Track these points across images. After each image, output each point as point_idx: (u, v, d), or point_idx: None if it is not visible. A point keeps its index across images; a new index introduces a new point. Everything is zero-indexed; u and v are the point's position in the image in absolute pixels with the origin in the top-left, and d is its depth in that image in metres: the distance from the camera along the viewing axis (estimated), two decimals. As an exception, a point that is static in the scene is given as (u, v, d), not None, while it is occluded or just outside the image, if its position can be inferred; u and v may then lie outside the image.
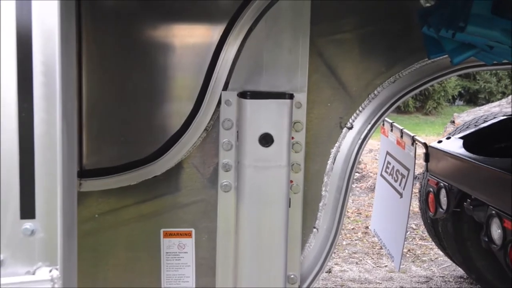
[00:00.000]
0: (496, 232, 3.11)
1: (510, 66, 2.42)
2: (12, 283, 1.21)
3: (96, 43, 2.11)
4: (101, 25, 2.10)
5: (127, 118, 2.20)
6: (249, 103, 2.10)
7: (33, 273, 1.24)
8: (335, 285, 5.10)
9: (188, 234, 2.32)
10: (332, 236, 2.39)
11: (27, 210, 1.22)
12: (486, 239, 3.18)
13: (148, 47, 2.16)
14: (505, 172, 3.02)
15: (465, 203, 3.62)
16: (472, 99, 22.52)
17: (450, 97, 21.83)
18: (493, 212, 3.10)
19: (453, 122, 11.31)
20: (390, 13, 2.27)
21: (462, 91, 22.68)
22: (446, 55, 2.10)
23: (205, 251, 2.31)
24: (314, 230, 2.39)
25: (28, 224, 1.23)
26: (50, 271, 1.24)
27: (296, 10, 2.11)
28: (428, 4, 2.11)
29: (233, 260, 2.26)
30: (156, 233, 2.30)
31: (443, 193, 3.93)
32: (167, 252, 2.32)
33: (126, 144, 2.20)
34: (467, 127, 4.55)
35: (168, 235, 2.32)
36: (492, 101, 15.33)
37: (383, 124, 4.51)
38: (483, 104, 15.54)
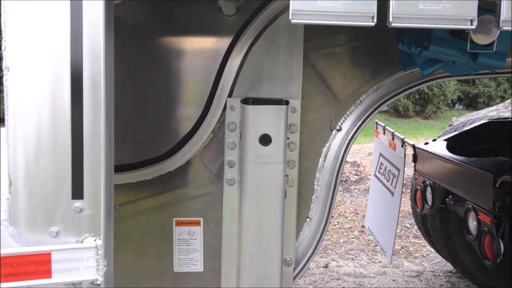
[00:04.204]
0: (472, 224, 3.42)
1: (509, 74, 2.73)
2: (65, 249, 1.55)
3: (118, 55, 2.41)
4: (122, 39, 2.37)
5: (145, 121, 2.50)
6: (250, 108, 2.39)
7: (81, 242, 1.57)
8: (331, 279, 5.38)
9: (197, 223, 2.60)
10: (323, 224, 2.70)
11: (77, 192, 1.56)
12: (465, 231, 3.50)
13: (163, 60, 2.46)
14: (480, 170, 3.34)
15: (447, 199, 3.94)
16: (471, 103, 22.55)
17: (450, 102, 21.95)
18: (470, 206, 3.41)
19: (451, 126, 11.46)
20: (374, 30, 2.58)
21: (462, 96, 22.76)
22: (418, 68, 2.44)
23: (212, 238, 2.59)
24: (308, 219, 2.69)
25: (78, 203, 1.57)
26: (95, 240, 1.57)
27: (291, 29, 2.41)
28: None
29: (236, 245, 2.54)
30: (169, 222, 2.58)
31: (428, 190, 4.23)
32: (178, 239, 2.60)
33: (144, 144, 2.50)
34: (454, 130, 4.85)
35: (179, 223, 2.60)
36: (491, 105, 15.37)
37: (377, 127, 4.75)
38: (482, 108, 15.60)
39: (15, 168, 1.55)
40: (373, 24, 1.59)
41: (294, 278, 2.65)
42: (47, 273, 1.52)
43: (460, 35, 2.01)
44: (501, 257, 3.12)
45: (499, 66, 2.15)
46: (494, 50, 1.97)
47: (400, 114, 20.53)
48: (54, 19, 1.52)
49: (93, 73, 1.53)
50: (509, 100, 11.48)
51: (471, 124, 4.69)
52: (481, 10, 1.67)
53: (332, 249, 6.22)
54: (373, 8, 1.58)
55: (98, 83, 1.53)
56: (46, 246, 1.54)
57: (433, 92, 20.48)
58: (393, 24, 1.59)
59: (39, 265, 1.51)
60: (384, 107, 2.86)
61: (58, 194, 1.56)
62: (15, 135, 1.54)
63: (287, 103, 2.42)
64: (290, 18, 1.59)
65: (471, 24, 1.59)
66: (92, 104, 1.54)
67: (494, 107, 11.76)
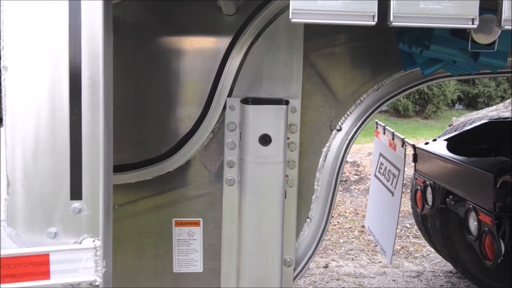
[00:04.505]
0: (473, 224, 3.41)
1: (510, 73, 2.72)
2: (64, 250, 1.54)
3: (118, 55, 2.40)
4: (122, 40, 2.35)
5: (144, 120, 2.50)
6: (250, 108, 2.39)
7: (80, 243, 1.56)
8: (331, 279, 5.37)
9: (196, 223, 2.59)
10: (323, 225, 2.69)
11: (76, 192, 1.55)
12: (465, 231, 3.49)
13: (162, 59, 2.46)
14: (480, 170, 3.33)
15: (447, 199, 3.93)
16: (471, 103, 22.56)
17: (450, 101, 21.95)
18: (470, 206, 3.40)
19: (451, 126, 11.44)
20: (374, 30, 2.57)
21: (462, 95, 22.77)
22: (419, 67, 2.43)
23: (212, 238, 2.59)
24: (308, 220, 2.68)
25: (76, 204, 1.56)
26: (93, 241, 1.56)
27: (291, 29, 2.40)
28: None
29: (236, 246, 2.54)
30: (168, 222, 2.58)
31: (429, 190, 4.22)
32: (178, 239, 2.60)
33: (143, 144, 2.49)
34: (454, 130, 4.84)
35: (179, 224, 2.59)
36: (491, 105, 15.38)
37: (377, 127, 4.74)
38: (482, 108, 15.61)
39: (13, 168, 1.54)
40: (374, 23, 1.58)
41: (294, 279, 2.65)
42: (46, 274, 1.51)
43: (461, 34, 2.01)
44: (501, 258, 3.11)
45: (500, 65, 2.14)
46: (495, 49, 1.96)
47: (400, 114, 20.53)
48: (53, 18, 1.51)
49: (92, 73, 1.52)
50: (509, 100, 11.46)
51: (471, 124, 4.68)
52: (482, 9, 1.66)
53: (332, 249, 6.21)
54: (373, 7, 1.57)
55: (96, 82, 1.52)
56: (44, 247, 1.53)
57: (433, 92, 20.48)
58: (393, 23, 1.58)
59: (37, 266, 1.50)
60: (384, 107, 2.85)
61: (57, 195, 1.55)
62: (13, 135, 1.53)
63: (287, 103, 2.42)
64: (290, 17, 1.58)
65: (473, 23, 1.58)
66: (90, 104, 1.53)
67: (494, 107, 11.75)
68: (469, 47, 1.95)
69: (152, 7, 2.42)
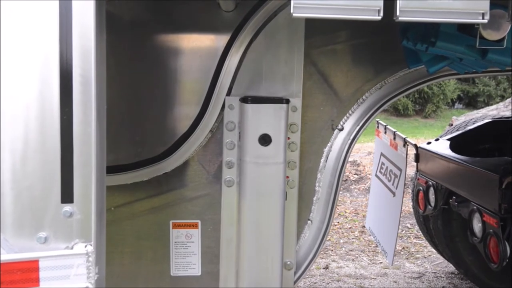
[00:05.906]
0: (477, 226, 3.35)
1: (510, 72, 2.66)
2: (54, 256, 1.47)
3: (114, 53, 2.33)
4: (118, 37, 2.32)
5: (141, 120, 2.44)
6: (250, 107, 2.33)
7: (71, 248, 1.50)
8: (332, 280, 5.32)
9: (194, 225, 2.54)
10: (324, 227, 2.63)
11: (67, 195, 1.48)
12: (469, 233, 3.43)
13: (159, 57, 2.40)
14: (485, 171, 3.26)
15: (450, 200, 3.87)
16: (471, 102, 22.58)
17: (449, 101, 21.95)
18: (474, 207, 3.34)
19: (451, 125, 11.42)
20: (376, 27, 2.51)
21: (461, 95, 22.77)
22: (424, 65, 2.36)
23: (210, 241, 2.53)
24: (309, 222, 2.62)
25: (67, 207, 1.49)
26: (85, 246, 1.50)
27: (292, 26, 2.34)
28: None
29: (235, 248, 2.48)
30: (166, 224, 2.53)
31: (431, 191, 4.16)
32: (175, 242, 2.54)
33: (140, 144, 2.44)
34: (457, 130, 4.79)
35: (176, 226, 2.54)
36: (491, 104, 15.37)
37: (378, 127, 4.68)
38: (482, 107, 15.59)
39: (2, 170, 1.47)
40: (379, 18, 1.51)
41: (295, 282, 2.59)
42: (35, 281, 1.44)
43: (468, 30, 1.94)
44: (507, 260, 3.05)
45: (509, 63, 2.07)
46: (505, 46, 1.89)
47: (400, 113, 20.53)
48: (43, 14, 1.45)
49: (84, 70, 1.45)
50: (509, 99, 11.42)
51: (474, 124, 4.63)
52: (491, 4, 1.59)
53: (332, 250, 6.16)
54: (379, 1, 1.50)
55: (88, 80, 1.45)
56: (34, 252, 1.46)
57: (432, 91, 20.49)
58: (400, 18, 1.52)
59: (26, 272, 1.43)
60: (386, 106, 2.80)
61: (47, 198, 1.48)
62: (1, 135, 1.46)
63: (287, 101, 2.36)
64: (291, 11, 1.52)
65: (483, 18, 1.51)
66: (82, 102, 1.46)
67: (494, 106, 11.71)
68: (477, 44, 1.88)
69: (149, 4, 2.36)
